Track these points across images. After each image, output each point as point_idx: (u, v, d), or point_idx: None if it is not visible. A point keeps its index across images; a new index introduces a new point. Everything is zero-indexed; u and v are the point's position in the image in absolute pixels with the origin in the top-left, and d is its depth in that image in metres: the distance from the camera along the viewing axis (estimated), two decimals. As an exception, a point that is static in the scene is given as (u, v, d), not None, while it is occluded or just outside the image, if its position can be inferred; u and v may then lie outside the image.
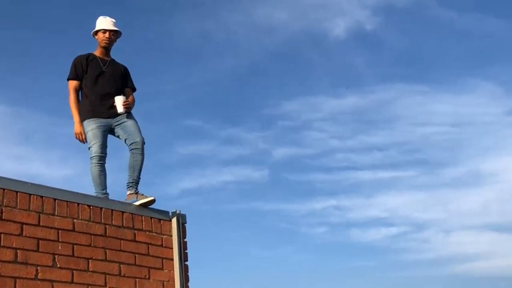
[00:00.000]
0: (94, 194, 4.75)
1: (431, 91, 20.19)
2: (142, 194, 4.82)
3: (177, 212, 4.92)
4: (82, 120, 4.97)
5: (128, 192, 4.89)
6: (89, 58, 5.13)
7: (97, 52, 5.24)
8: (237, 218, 18.91)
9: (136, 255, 4.54)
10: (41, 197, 4.17)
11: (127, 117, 5.01)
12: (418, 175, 20.30)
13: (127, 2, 16.89)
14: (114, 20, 5.26)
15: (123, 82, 5.25)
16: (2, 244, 3.84)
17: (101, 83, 5.06)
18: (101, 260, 4.31)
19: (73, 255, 4.17)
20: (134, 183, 4.91)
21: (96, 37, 5.24)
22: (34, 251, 3.97)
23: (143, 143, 4.97)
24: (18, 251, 3.89)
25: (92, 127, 4.89)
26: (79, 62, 5.10)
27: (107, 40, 5.18)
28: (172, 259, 4.75)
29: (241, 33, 18.87)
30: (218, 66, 18.97)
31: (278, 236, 18.87)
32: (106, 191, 4.84)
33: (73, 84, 5.08)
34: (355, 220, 19.83)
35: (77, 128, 4.93)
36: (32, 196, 4.12)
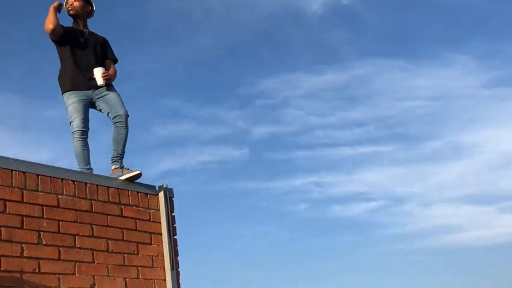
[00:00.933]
0: (78, 170, 4.62)
1: (411, 66, 20.21)
2: (128, 169, 4.70)
3: (164, 186, 4.81)
4: (62, 92, 4.82)
5: (113, 167, 4.76)
6: (66, 28, 4.95)
7: (74, 25, 5.07)
8: (219, 198, 18.85)
9: (124, 230, 4.43)
10: (24, 173, 4.03)
11: (108, 90, 4.86)
12: (398, 149, 20.40)
13: None
14: None
15: (103, 54, 5.10)
16: (-16, 222, 3.70)
17: (80, 54, 4.90)
18: (88, 236, 4.20)
19: (59, 232, 4.04)
20: (119, 157, 4.78)
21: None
22: (18, 228, 3.84)
23: (127, 116, 4.83)
24: (1, 228, 3.76)
25: (72, 100, 4.73)
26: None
27: (70, 6, 4.99)
28: (161, 234, 4.65)
29: (219, 11, 18.62)
30: (195, 45, 18.74)
31: (260, 214, 18.88)
32: (90, 166, 4.70)
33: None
34: (335, 196, 19.91)
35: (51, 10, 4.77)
36: (14, 172, 3.97)
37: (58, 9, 4.81)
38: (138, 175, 4.64)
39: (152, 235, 4.60)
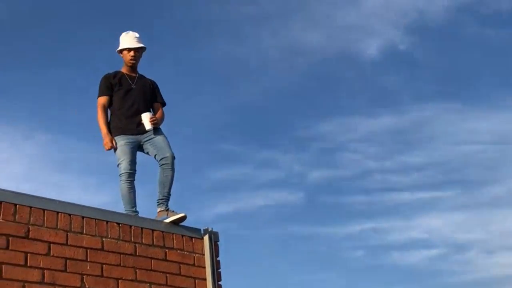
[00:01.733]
0: (124, 212, 4.58)
1: (469, 109, 19.69)
2: (173, 211, 4.64)
3: (209, 229, 4.72)
4: (113, 136, 4.87)
5: (159, 209, 4.71)
6: (116, 75, 5.03)
7: (124, 69, 5.14)
8: (274, 243, 18.56)
9: (168, 274, 4.34)
10: (69, 215, 4.01)
11: (156, 133, 4.87)
12: (457, 194, 19.74)
13: (159, 27, 16.86)
14: (137, 35, 5.15)
15: (152, 97, 5.14)
16: (28, 264, 3.68)
17: (129, 100, 4.96)
18: (131, 280, 4.13)
19: (102, 275, 3.99)
20: (165, 200, 4.73)
21: (121, 55, 5.14)
22: (61, 271, 3.81)
23: (173, 158, 4.80)
24: (45, 271, 3.73)
25: (120, 143, 4.75)
26: (107, 79, 5.00)
27: (133, 59, 5.08)
28: (205, 279, 4.53)
29: (274, 56, 18.65)
30: (250, 90, 18.74)
31: (315, 260, 18.47)
32: (135, 208, 4.67)
33: (101, 100, 4.98)
34: (394, 243, 19.30)
35: (105, 138, 4.81)
36: (60, 214, 3.97)
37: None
38: (183, 218, 4.57)
39: (196, 280, 4.49)
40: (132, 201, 4.64)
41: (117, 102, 4.94)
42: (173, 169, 4.78)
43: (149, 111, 5.03)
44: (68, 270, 3.84)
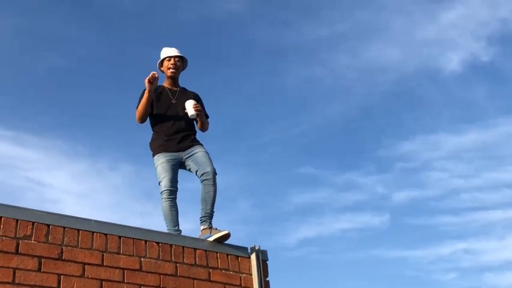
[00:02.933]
0: (166, 231, 4.39)
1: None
2: (216, 229, 4.41)
3: (257, 247, 4.44)
4: (152, 155, 4.72)
5: (202, 228, 4.49)
6: (158, 89, 4.89)
7: (166, 83, 5.01)
8: (359, 267, 17.97)
9: (212, 296, 4.09)
10: (105, 234, 3.86)
11: (197, 148, 4.68)
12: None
13: (234, 54, 16.88)
14: (178, 50, 5.04)
15: None
16: (62, 287, 3.53)
17: (171, 117, 4.79)
18: (172, 302, 3.90)
19: (140, 297, 3.79)
20: (207, 217, 4.51)
21: (162, 68, 5.01)
22: (97, 293, 3.63)
23: (215, 173, 4.59)
24: (79, 293, 3.57)
25: (161, 161, 4.59)
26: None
27: (173, 67, 4.93)
28: (253, 301, 4.25)
29: (350, 75, 18.27)
30: (328, 111, 18.34)
31: (404, 285, 17.69)
32: (178, 227, 4.47)
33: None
34: (488, 264, 18.21)
35: (146, 84, 4.69)
36: (95, 234, 3.82)
37: (153, 83, 4.71)
38: (227, 236, 4.32)
39: (243, 301, 4.22)
40: (174, 220, 4.45)
41: (158, 119, 4.79)
42: (214, 185, 4.56)
43: (192, 126, 4.85)
44: (103, 292, 3.66)
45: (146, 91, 4.68)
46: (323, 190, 18.69)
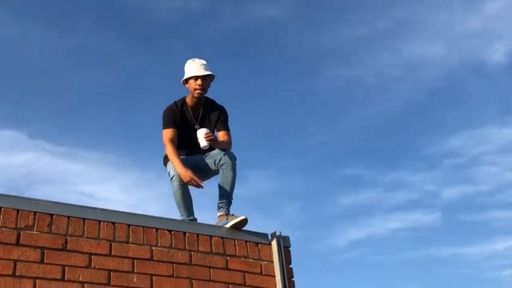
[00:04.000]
0: (179, 219, 4.17)
1: None
2: (233, 215, 4.16)
3: (278, 233, 4.18)
4: (164, 163, 4.45)
5: (219, 214, 4.25)
6: (182, 107, 4.50)
7: (189, 100, 4.53)
8: (412, 267, 17.44)
9: (230, 285, 3.85)
10: (113, 223, 3.67)
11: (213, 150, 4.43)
12: None
13: (270, 60, 16.62)
14: (204, 62, 4.53)
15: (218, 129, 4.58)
16: (66, 278, 3.35)
17: (190, 143, 4.44)
18: (186, 292, 3.67)
19: (151, 288, 3.57)
20: (225, 204, 4.26)
21: (187, 85, 4.52)
22: (104, 284, 3.44)
23: (234, 158, 4.33)
24: (85, 285, 3.38)
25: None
26: (171, 111, 4.48)
27: (200, 89, 4.43)
28: (275, 289, 3.98)
29: (392, 73, 17.74)
30: (371, 111, 17.86)
31: (460, 283, 17.05)
32: (193, 216, 4.24)
33: (168, 134, 4.39)
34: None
35: (185, 173, 4.17)
36: (102, 222, 3.63)
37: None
38: (244, 221, 4.07)
39: (264, 290, 3.95)
40: (187, 207, 4.22)
41: (180, 140, 4.45)
42: (233, 170, 4.29)
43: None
44: (111, 283, 3.46)
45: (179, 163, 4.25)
46: (371, 190, 18.28)
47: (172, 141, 4.35)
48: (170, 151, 4.30)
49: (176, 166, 4.21)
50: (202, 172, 4.35)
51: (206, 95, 4.55)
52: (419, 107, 17.93)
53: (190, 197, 4.27)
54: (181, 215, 4.24)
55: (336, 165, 17.93)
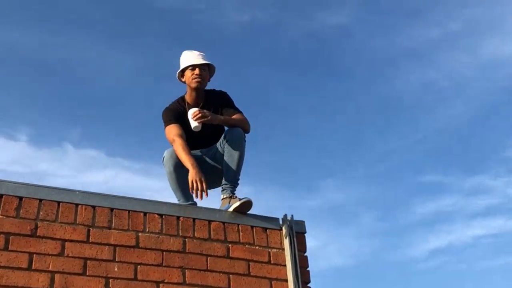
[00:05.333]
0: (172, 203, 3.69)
1: None
2: (237, 197, 3.65)
3: (289, 217, 3.63)
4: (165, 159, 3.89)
5: (222, 197, 3.75)
6: (182, 106, 4.01)
7: (188, 97, 4.03)
8: (497, 276, 16.32)
9: (231, 276, 3.32)
10: (93, 207, 3.24)
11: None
12: None
13: (340, 68, 16.07)
14: (202, 53, 4.06)
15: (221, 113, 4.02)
16: (33, 267, 2.93)
17: (193, 141, 3.92)
18: (178, 283, 3.18)
19: (135, 279, 3.11)
20: (229, 185, 3.75)
21: (183, 79, 4.04)
22: (78, 274, 3.00)
23: (240, 132, 3.81)
24: (55, 275, 2.95)
25: None
26: (173, 107, 4.02)
27: (198, 78, 3.93)
28: (286, 280, 3.43)
29: (468, 74, 16.78)
30: (447, 114, 16.88)
31: None
32: (192, 200, 3.76)
33: (171, 130, 3.87)
34: None
35: (192, 172, 3.57)
36: (80, 206, 3.20)
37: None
38: (248, 204, 3.55)
39: (273, 281, 3.40)
40: (185, 191, 3.74)
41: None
42: (240, 145, 3.76)
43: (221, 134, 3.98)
44: (87, 273, 3.02)
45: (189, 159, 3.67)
46: (450, 197, 17.26)
47: (179, 135, 3.81)
48: (178, 145, 3.73)
49: (185, 162, 3.66)
50: (212, 174, 3.84)
51: None
52: (497, 109, 16.82)
53: (187, 179, 3.78)
54: (178, 200, 3.77)
55: (412, 172, 17.02)
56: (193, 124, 3.80)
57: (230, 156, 3.77)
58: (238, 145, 3.77)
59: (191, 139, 3.87)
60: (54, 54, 13.28)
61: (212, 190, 3.90)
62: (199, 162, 3.72)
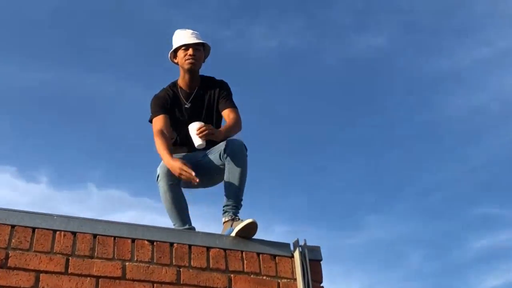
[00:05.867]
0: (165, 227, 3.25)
1: None
2: (239, 219, 3.23)
3: (301, 242, 3.18)
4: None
5: (224, 220, 3.32)
6: (171, 91, 3.71)
7: (181, 81, 3.74)
8: None
9: (233, 310, 2.87)
10: (73, 233, 2.84)
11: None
12: None
13: (380, 94, 15.37)
14: (196, 32, 3.77)
15: (218, 112, 3.72)
16: (1, 304, 2.53)
17: (182, 126, 3.63)
18: (171, 320, 2.74)
19: (120, 315, 2.68)
20: (231, 207, 3.33)
21: (176, 60, 3.75)
22: (53, 311, 2.58)
23: (242, 146, 3.42)
24: (26, 312, 2.54)
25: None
26: (160, 94, 3.71)
27: (192, 59, 3.65)
28: (298, 315, 2.96)
29: None
30: (501, 140, 16.06)
31: None
32: (189, 224, 3.34)
33: (157, 122, 3.58)
34: None
35: (173, 165, 3.28)
36: (58, 232, 2.81)
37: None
38: (252, 226, 3.12)
39: (283, 317, 2.94)
40: (180, 214, 3.32)
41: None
42: (241, 161, 3.36)
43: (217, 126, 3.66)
44: (64, 310, 2.60)
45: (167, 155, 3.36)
46: (508, 230, 16.25)
47: (161, 132, 3.48)
48: (158, 143, 3.41)
49: (164, 160, 3.34)
50: (207, 174, 3.46)
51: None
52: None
53: (184, 200, 3.38)
54: (174, 224, 3.35)
55: (464, 205, 15.90)
56: (197, 141, 3.43)
57: (231, 173, 3.36)
58: (240, 160, 3.38)
59: (179, 131, 3.61)
60: (73, 91, 13.13)
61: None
62: (201, 160, 3.49)
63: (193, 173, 3.19)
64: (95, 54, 12.75)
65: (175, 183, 3.33)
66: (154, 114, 3.60)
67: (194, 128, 3.45)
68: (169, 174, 3.32)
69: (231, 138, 3.44)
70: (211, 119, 3.67)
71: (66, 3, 12.78)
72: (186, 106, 3.65)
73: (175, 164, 3.26)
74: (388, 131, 15.11)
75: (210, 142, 3.49)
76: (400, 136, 14.98)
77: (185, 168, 3.22)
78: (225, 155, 3.38)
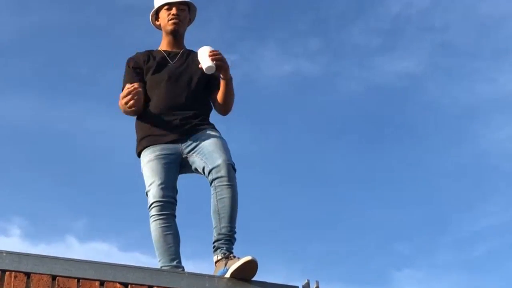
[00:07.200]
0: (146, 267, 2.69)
1: None
2: (235, 256, 2.65)
3: (313, 285, 2.59)
4: (138, 150, 3.06)
5: (215, 258, 2.74)
6: (150, 54, 3.26)
7: (163, 45, 3.32)
8: None
9: None
10: (27, 274, 2.31)
11: (206, 133, 2.98)
12: None
13: (410, 124, 13.96)
14: None
15: (208, 81, 3.20)
16: None
17: (167, 87, 3.11)
18: None
19: None
20: (223, 241, 2.74)
21: (158, 22, 3.33)
22: None
23: (232, 168, 2.87)
24: None
25: (148, 158, 2.95)
26: (133, 60, 3.24)
27: (175, 19, 3.23)
28: None
29: None
30: None
31: None
32: (178, 262, 2.77)
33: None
34: None
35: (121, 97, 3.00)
36: (7, 273, 2.28)
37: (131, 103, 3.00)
38: (251, 265, 2.54)
39: None
40: (170, 250, 2.76)
41: (150, 92, 3.13)
42: (232, 186, 2.81)
43: (202, 103, 3.16)
44: None
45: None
46: None
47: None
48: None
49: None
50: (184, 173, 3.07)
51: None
52: None
53: (176, 233, 2.83)
54: (159, 261, 2.79)
55: None
56: (206, 63, 2.99)
57: (221, 200, 2.79)
58: (230, 185, 2.83)
59: (158, 97, 3.11)
60: (51, 126, 11.42)
61: None
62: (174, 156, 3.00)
63: (134, 88, 2.92)
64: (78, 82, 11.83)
65: (169, 214, 2.84)
66: (124, 83, 3.14)
67: (206, 49, 3.06)
68: (164, 200, 2.85)
69: (221, 157, 2.87)
70: (200, 83, 3.17)
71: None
72: (170, 64, 3.19)
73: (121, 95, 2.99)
74: (419, 169, 13.77)
75: (191, 106, 3.08)
76: (433, 174, 13.58)
77: (126, 89, 2.94)
78: (212, 178, 2.84)
